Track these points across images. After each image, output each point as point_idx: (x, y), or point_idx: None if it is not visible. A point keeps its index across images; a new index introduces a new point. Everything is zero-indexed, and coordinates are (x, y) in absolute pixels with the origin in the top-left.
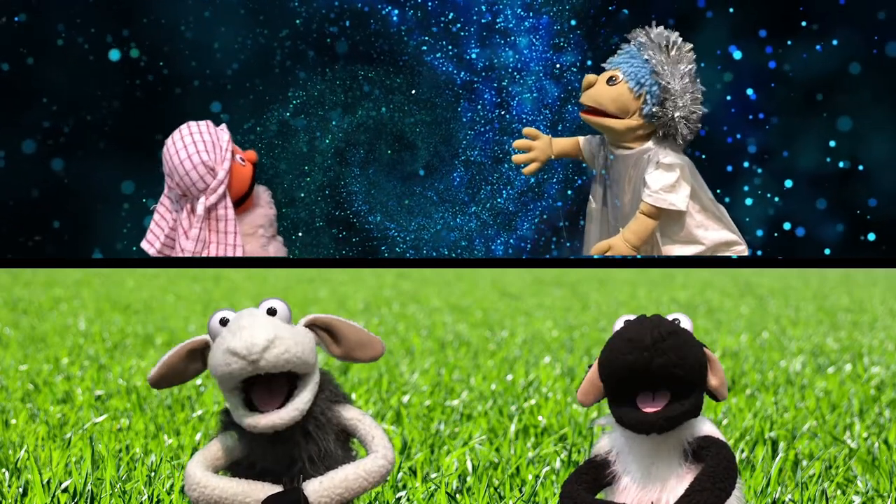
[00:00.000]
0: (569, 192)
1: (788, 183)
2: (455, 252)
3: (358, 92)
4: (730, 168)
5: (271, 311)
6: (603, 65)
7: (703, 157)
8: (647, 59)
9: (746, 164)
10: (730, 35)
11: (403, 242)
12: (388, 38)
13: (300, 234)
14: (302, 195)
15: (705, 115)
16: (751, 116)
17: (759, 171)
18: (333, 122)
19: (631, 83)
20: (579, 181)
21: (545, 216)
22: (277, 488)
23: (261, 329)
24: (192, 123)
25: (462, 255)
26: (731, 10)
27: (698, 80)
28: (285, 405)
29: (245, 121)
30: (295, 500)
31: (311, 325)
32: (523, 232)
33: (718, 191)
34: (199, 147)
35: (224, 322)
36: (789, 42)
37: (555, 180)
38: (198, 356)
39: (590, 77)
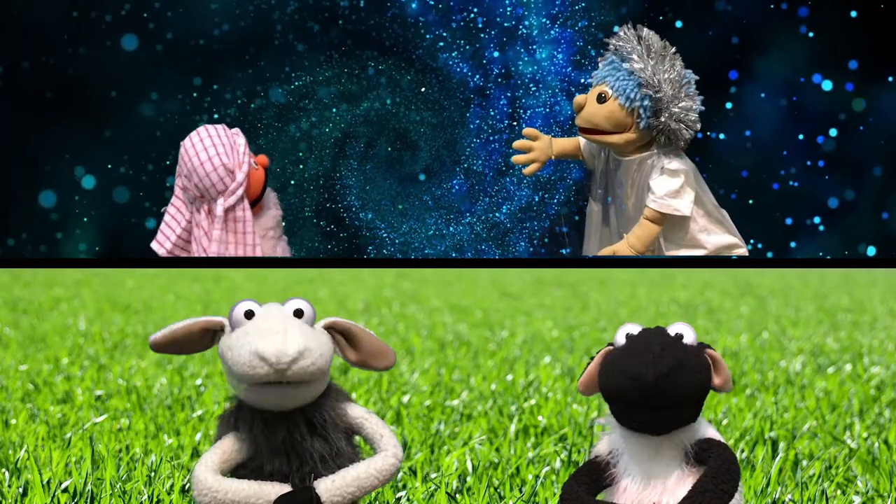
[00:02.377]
0: (576, 217)
1: (871, 250)
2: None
3: (364, 82)
4: (789, 221)
5: (298, 313)
6: (588, 79)
7: (751, 202)
8: (631, 71)
9: (817, 220)
10: (810, 62)
11: (392, 245)
12: (403, 27)
13: (284, 223)
14: (293, 182)
15: (759, 155)
16: (821, 163)
17: (823, 228)
18: (334, 110)
19: (621, 99)
20: (583, 203)
21: (546, 239)
22: (289, 489)
23: (293, 337)
24: (210, 126)
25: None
26: (812, 34)
27: (687, 79)
28: None
29: (237, 95)
30: (307, 499)
31: (330, 329)
32: (518, 252)
33: (759, 245)
34: (218, 150)
35: (249, 315)
36: (891, 79)
37: (555, 201)
38: (209, 336)
39: (578, 99)
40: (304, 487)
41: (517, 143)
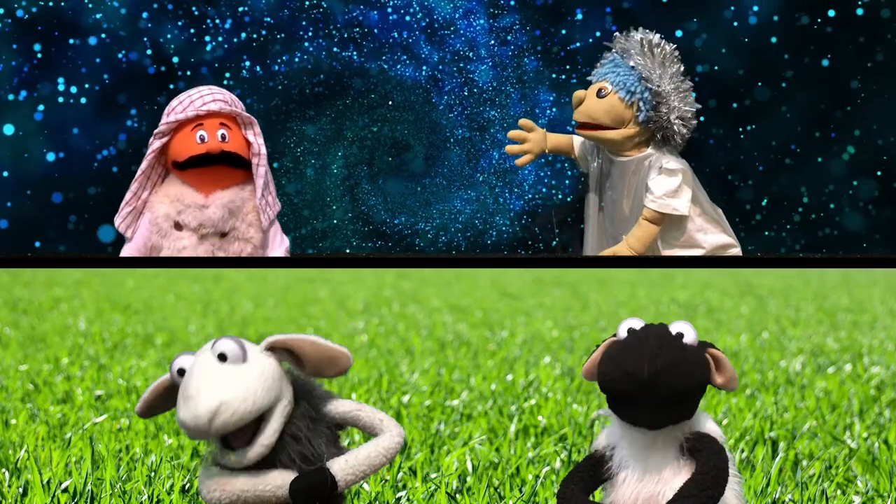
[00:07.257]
0: (568, 220)
1: None
2: (472, 228)
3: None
4: None
5: (221, 357)
6: (588, 78)
7: None
8: (633, 66)
9: None
10: None
11: (427, 234)
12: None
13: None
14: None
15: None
16: None
17: None
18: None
19: (621, 93)
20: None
21: (548, 173)
22: (292, 474)
23: (205, 398)
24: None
25: (478, 231)
26: None
27: (685, 78)
28: (252, 441)
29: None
30: (322, 478)
31: (272, 348)
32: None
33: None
34: (182, 97)
35: (181, 373)
36: None
37: (568, 169)
38: (175, 391)
39: (578, 93)
40: (319, 468)
41: (512, 133)
